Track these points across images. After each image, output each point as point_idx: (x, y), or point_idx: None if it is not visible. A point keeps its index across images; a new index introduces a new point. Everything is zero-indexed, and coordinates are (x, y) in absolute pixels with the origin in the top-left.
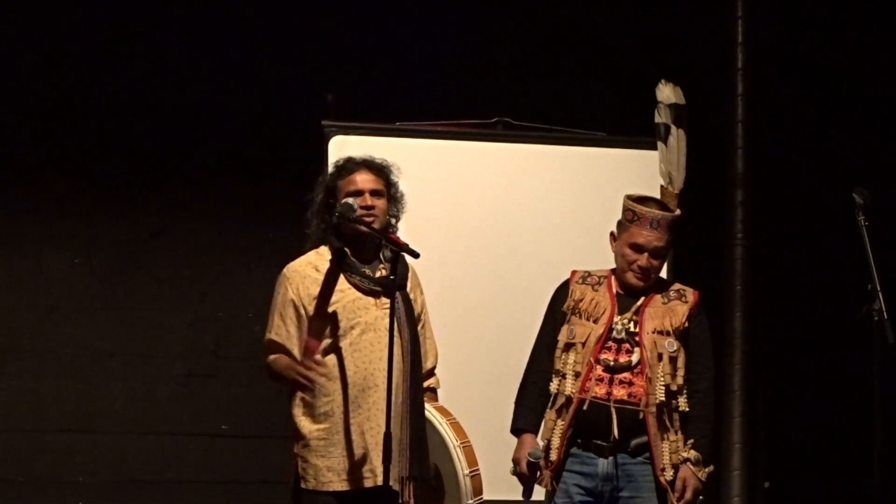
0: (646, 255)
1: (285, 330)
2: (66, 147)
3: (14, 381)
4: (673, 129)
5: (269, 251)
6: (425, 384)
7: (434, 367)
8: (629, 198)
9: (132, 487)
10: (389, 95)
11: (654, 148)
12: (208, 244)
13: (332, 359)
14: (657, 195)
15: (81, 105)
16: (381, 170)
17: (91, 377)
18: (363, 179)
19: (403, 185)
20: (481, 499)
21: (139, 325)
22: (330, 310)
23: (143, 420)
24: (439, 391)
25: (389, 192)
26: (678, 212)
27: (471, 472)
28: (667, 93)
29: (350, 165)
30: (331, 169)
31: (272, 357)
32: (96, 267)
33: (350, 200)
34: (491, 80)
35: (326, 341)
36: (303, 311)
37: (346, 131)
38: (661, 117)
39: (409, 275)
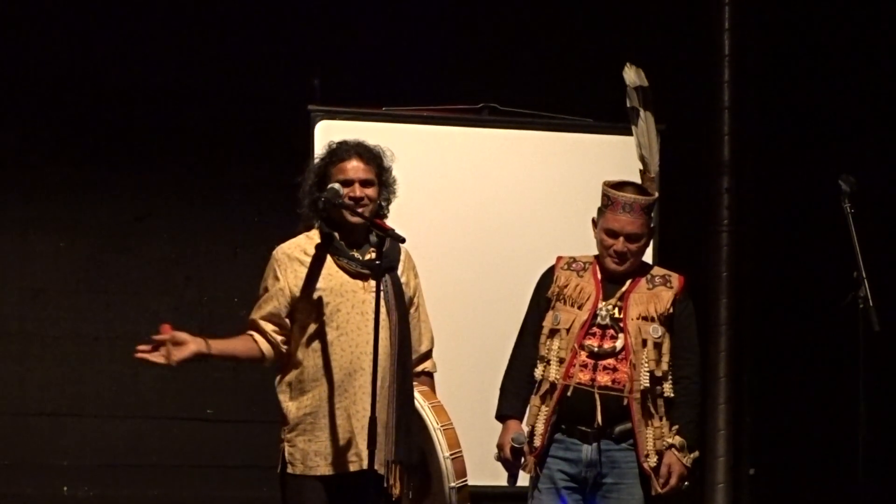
0: (621, 239)
1: (261, 315)
2: (50, 130)
3: None
4: (641, 112)
5: (254, 235)
6: (420, 367)
7: (430, 351)
8: (606, 183)
9: (117, 471)
10: (376, 80)
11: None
12: (194, 228)
13: (318, 343)
14: (636, 180)
15: (66, 88)
16: (373, 157)
17: (76, 361)
18: (354, 168)
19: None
20: (465, 481)
21: (124, 308)
22: (318, 293)
23: (127, 404)
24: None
25: (381, 178)
26: (655, 195)
27: (452, 454)
28: (631, 75)
29: (342, 152)
30: (323, 150)
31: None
32: (81, 250)
33: (336, 186)
34: (477, 66)
35: (313, 325)
36: (290, 298)
37: (333, 116)
38: (630, 102)
39: (403, 258)
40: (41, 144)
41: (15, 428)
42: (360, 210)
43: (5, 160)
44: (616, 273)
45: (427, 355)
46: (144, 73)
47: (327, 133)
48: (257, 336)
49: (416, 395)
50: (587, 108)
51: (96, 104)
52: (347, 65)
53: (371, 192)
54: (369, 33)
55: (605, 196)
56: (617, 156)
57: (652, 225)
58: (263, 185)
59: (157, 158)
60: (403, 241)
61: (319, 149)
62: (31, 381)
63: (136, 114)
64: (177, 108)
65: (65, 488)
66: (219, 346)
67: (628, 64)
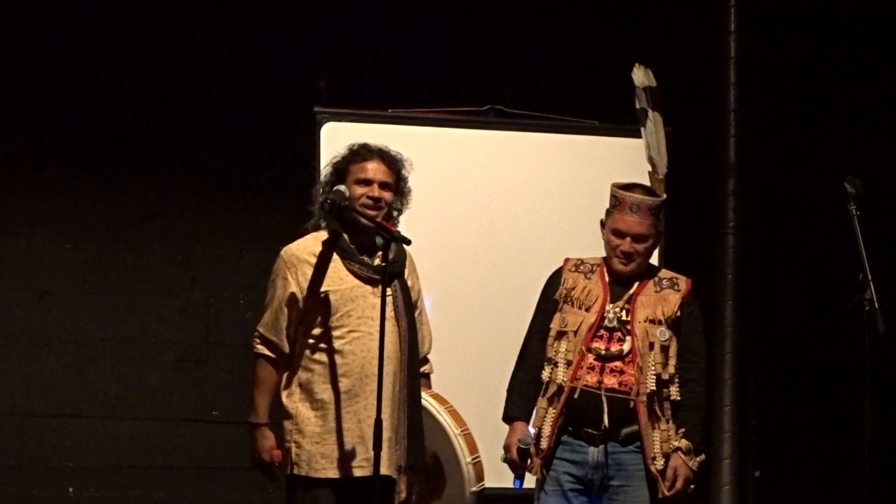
0: (628, 239)
1: (276, 328)
2: (57, 132)
3: (5, 366)
4: (650, 112)
5: (260, 237)
6: (421, 370)
7: (428, 353)
8: (614, 185)
9: (122, 472)
10: (382, 82)
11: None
12: (200, 230)
13: (328, 346)
14: (644, 182)
15: (72, 90)
16: (394, 162)
17: (82, 362)
18: (375, 169)
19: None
20: (483, 485)
21: (130, 310)
22: (326, 296)
23: (133, 405)
24: (432, 377)
25: (398, 185)
26: (663, 196)
27: (472, 459)
28: (640, 76)
29: (364, 152)
30: (344, 150)
31: (262, 353)
32: (87, 252)
33: (341, 188)
34: (483, 68)
35: (324, 329)
36: (302, 302)
37: (338, 118)
38: (640, 103)
39: (406, 262)
40: (47, 146)
41: (21, 429)
42: (373, 213)
43: (11, 162)
44: (623, 274)
45: (426, 358)
46: (150, 74)
47: (333, 135)
48: (276, 361)
49: (429, 399)
50: (593, 110)
51: (102, 106)
52: (353, 67)
53: (388, 195)
54: (375, 35)
55: (613, 197)
56: (623, 158)
57: (661, 228)
58: (269, 187)
59: (162, 160)
60: (409, 242)
61: (325, 150)
62: (36, 382)
63: (141, 116)
64: (182, 109)
65: (70, 489)
66: (265, 408)
67: (637, 64)
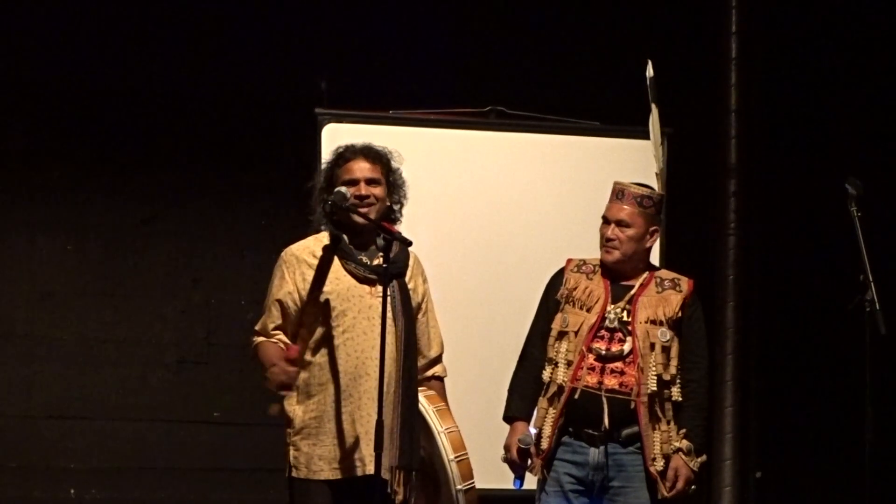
0: (612, 225)
1: (273, 322)
2: (58, 133)
3: (6, 367)
4: (652, 106)
5: (261, 238)
6: (430, 372)
7: (439, 356)
8: None
9: (123, 474)
10: (383, 84)
11: (647, 137)
12: (201, 231)
13: (324, 347)
14: (651, 184)
15: (73, 90)
16: (379, 157)
17: (83, 363)
18: (359, 168)
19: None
20: (472, 483)
21: (131, 311)
22: (324, 297)
23: (134, 407)
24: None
25: (389, 179)
26: (655, 191)
27: (456, 457)
28: (648, 69)
29: (348, 153)
30: (331, 156)
31: (260, 340)
32: (89, 253)
33: (343, 189)
34: (484, 69)
35: (320, 329)
36: (298, 301)
37: (340, 119)
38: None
39: (411, 264)
40: (48, 147)
41: (22, 430)
42: (364, 210)
43: (13, 163)
44: (609, 265)
45: (437, 360)
46: (150, 75)
47: (334, 136)
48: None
49: (421, 399)
50: (594, 111)
51: (102, 106)
52: (354, 68)
53: (377, 191)
54: (376, 36)
55: None
56: (624, 159)
57: (653, 227)
58: (270, 188)
59: (164, 161)
60: (410, 244)
61: (326, 152)
62: (38, 383)
63: (142, 116)
64: (184, 110)
65: (72, 491)
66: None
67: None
